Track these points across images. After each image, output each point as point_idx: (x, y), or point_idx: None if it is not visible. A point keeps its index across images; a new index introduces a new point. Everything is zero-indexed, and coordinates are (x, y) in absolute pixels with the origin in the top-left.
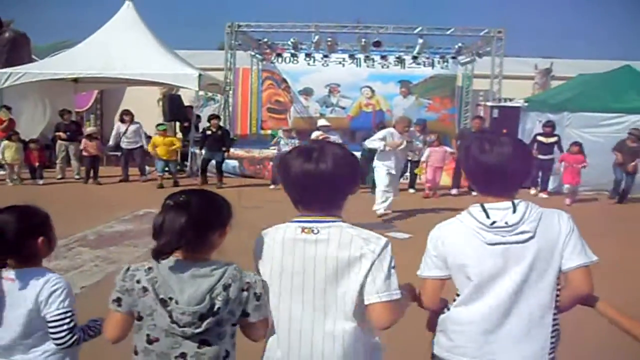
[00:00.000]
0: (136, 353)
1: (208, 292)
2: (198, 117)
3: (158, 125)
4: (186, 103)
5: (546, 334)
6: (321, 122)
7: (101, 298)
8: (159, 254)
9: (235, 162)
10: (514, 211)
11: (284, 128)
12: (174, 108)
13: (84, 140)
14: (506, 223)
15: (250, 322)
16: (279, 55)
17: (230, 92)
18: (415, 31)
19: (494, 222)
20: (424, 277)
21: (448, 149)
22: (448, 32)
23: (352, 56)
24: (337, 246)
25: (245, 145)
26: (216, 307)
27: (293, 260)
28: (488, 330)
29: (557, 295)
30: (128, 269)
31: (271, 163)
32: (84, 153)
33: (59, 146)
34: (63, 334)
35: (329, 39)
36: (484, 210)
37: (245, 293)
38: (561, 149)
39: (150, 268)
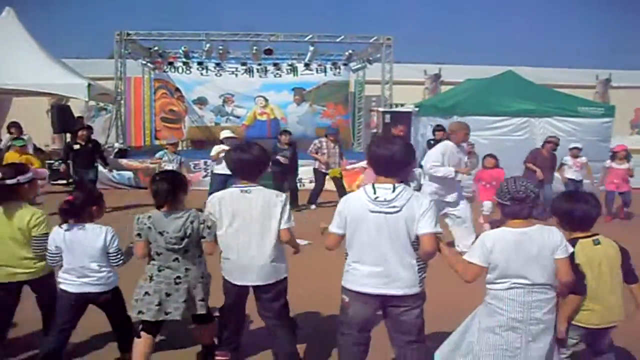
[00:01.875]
0: (152, 260)
1: (182, 226)
2: (90, 128)
3: (15, 139)
4: (77, 114)
5: (414, 270)
6: (225, 133)
7: None
8: (160, 206)
9: (130, 174)
10: (393, 191)
11: (168, 141)
12: (63, 119)
13: None
14: (385, 199)
15: (206, 241)
16: (170, 64)
17: (122, 101)
18: (306, 39)
19: (377, 197)
20: (330, 231)
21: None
22: (338, 40)
23: (244, 64)
24: (262, 198)
25: (139, 156)
26: (188, 233)
27: (237, 206)
28: (378, 265)
29: (416, 249)
30: (138, 218)
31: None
32: None
33: None
34: (118, 260)
35: (221, 47)
36: (374, 188)
37: (202, 225)
38: None
39: (150, 216)
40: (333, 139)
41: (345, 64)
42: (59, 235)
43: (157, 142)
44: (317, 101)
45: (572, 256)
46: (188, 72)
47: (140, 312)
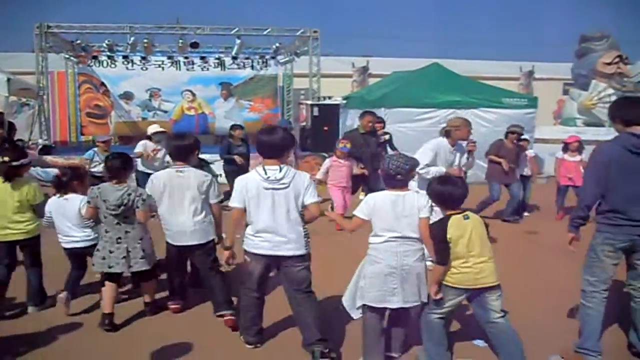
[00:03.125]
0: (99, 223)
1: (121, 197)
2: (11, 125)
3: None
4: None
5: (301, 235)
6: (153, 128)
7: None
8: (110, 179)
9: (56, 171)
10: (280, 171)
11: (99, 139)
12: None
13: None
14: (275, 178)
15: (139, 210)
16: (95, 57)
17: (45, 97)
18: (233, 32)
19: (268, 177)
20: (231, 206)
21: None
22: (265, 33)
23: (171, 58)
24: (194, 177)
25: (65, 152)
26: (124, 202)
27: (172, 183)
28: (273, 232)
29: (302, 215)
30: (92, 189)
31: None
32: None
33: None
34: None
35: (146, 41)
36: (264, 169)
37: (137, 197)
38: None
39: (99, 187)
40: None
41: (273, 57)
42: (50, 204)
43: (83, 138)
44: (245, 95)
45: (439, 228)
46: (113, 66)
47: (92, 264)
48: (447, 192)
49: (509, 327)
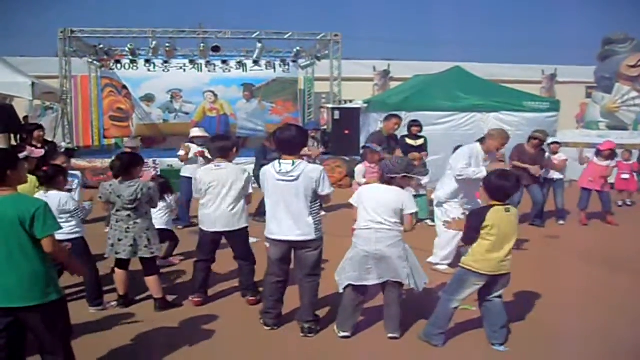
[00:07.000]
0: (111, 217)
1: (134, 192)
2: (39, 126)
3: None
4: (23, 113)
5: (310, 222)
6: (195, 132)
7: None
8: (115, 177)
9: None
10: (292, 165)
11: (127, 144)
12: (6, 118)
13: None
14: (287, 171)
15: (152, 205)
16: (117, 61)
17: (68, 100)
18: (254, 36)
19: (281, 170)
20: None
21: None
22: (286, 37)
23: (192, 62)
24: (232, 171)
25: (88, 155)
26: (138, 197)
27: (214, 175)
28: (284, 220)
29: (311, 203)
30: (104, 185)
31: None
32: None
33: None
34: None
35: (168, 45)
36: (280, 163)
37: (150, 191)
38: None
39: (111, 184)
40: (313, 136)
41: (293, 61)
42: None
43: (105, 141)
44: (267, 97)
45: (476, 216)
46: (135, 68)
47: (106, 252)
48: (503, 186)
49: (501, 303)
